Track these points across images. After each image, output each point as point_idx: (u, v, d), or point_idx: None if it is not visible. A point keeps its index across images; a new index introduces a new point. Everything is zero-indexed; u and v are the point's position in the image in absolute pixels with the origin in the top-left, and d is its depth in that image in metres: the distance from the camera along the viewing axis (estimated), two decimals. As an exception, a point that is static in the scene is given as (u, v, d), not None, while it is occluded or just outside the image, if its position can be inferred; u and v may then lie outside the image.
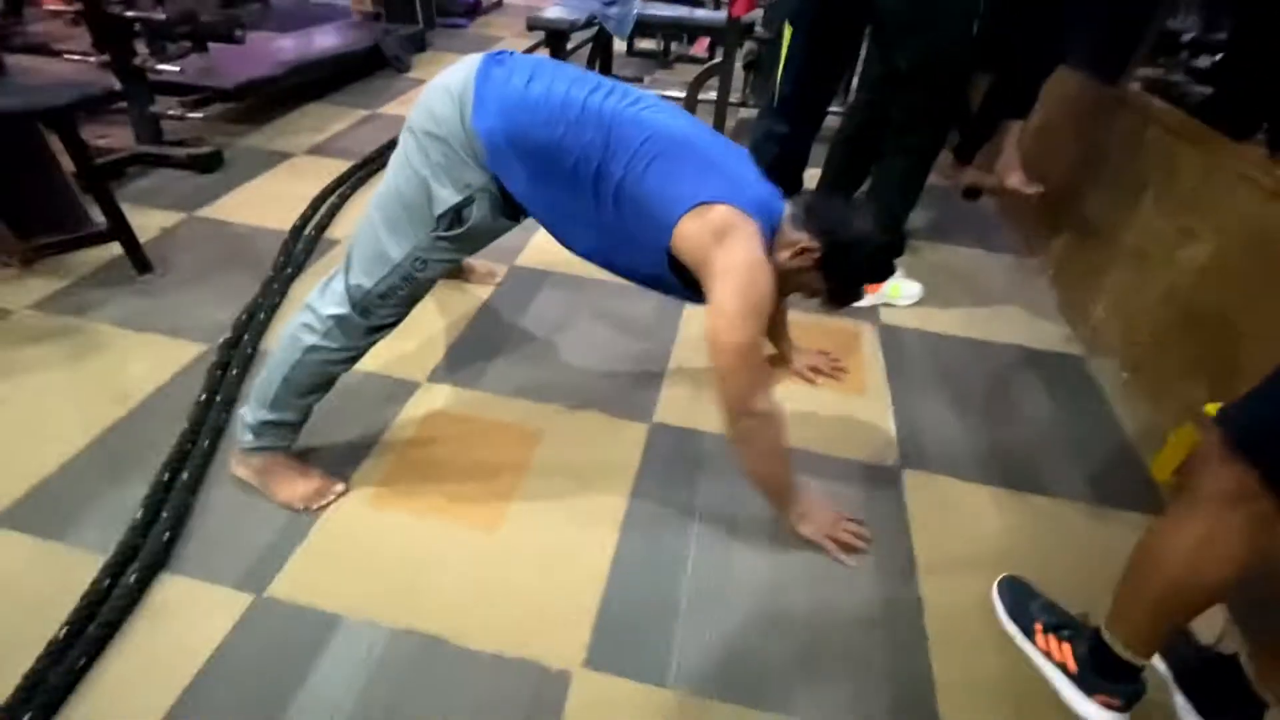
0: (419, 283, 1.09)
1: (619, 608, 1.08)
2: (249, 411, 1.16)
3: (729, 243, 0.99)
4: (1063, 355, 1.79)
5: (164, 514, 1.14)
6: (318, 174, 2.37)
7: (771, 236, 1.08)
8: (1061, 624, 1.03)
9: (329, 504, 1.21)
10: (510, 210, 1.09)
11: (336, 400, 1.36)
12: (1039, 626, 1.04)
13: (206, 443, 1.29)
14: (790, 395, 1.55)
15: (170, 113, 2.28)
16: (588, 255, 1.16)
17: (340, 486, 1.23)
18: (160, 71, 2.24)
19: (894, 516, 1.29)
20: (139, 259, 1.75)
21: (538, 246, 2.08)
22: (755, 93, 3.11)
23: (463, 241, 1.07)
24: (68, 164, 1.63)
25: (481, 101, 0.99)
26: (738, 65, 2.78)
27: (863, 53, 2.04)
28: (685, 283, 1.08)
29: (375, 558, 1.13)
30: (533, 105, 1.00)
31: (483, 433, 1.40)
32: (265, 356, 1.51)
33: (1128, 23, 1.76)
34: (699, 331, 1.77)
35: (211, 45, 2.47)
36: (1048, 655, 1.02)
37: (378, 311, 1.10)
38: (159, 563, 1.07)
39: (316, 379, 1.14)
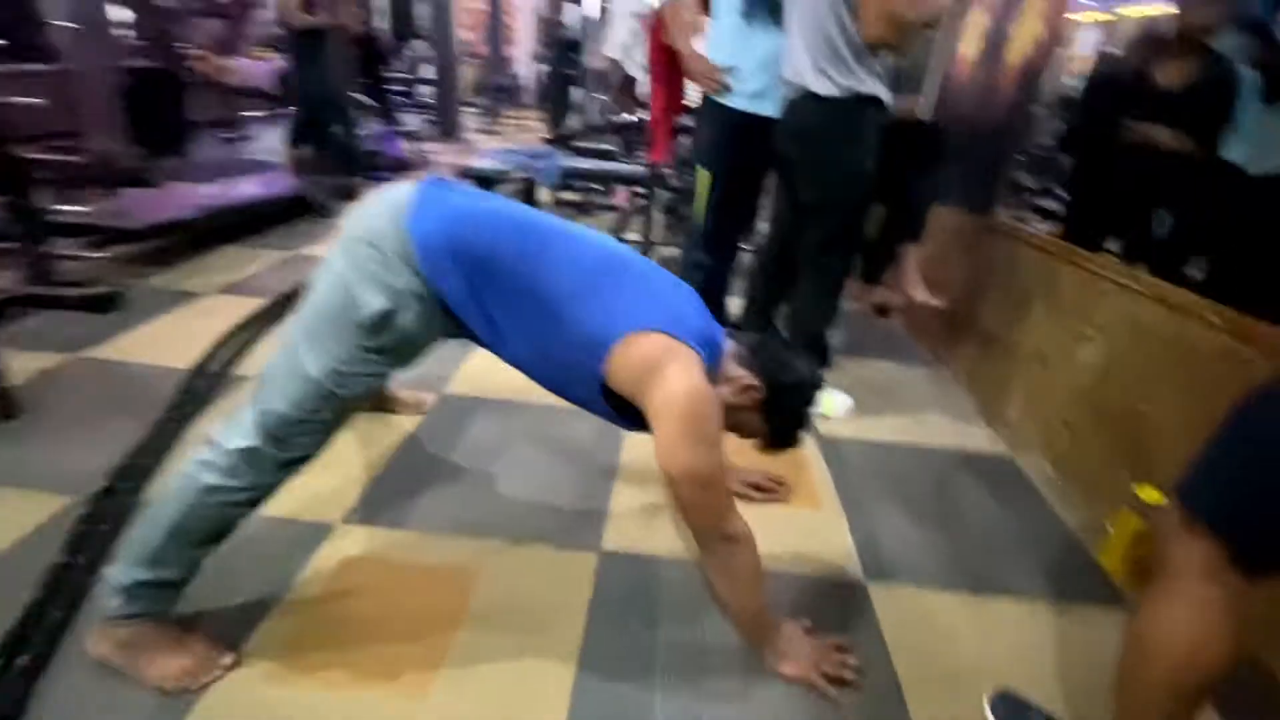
0: (339, 404, 0.97)
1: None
2: (120, 571, 0.96)
3: (667, 373, 0.93)
4: (993, 457, 1.85)
5: (-16, 716, 0.89)
6: (228, 313, 2.24)
7: (714, 371, 1.03)
8: None
9: (211, 682, 0.99)
10: (441, 322, 1.02)
11: (227, 551, 1.18)
12: None
13: (59, 615, 1.05)
14: (760, 517, 1.48)
15: (66, 253, 2.14)
16: (521, 368, 1.08)
17: (228, 659, 1.01)
18: (63, 213, 2.13)
19: (871, 636, 1.20)
20: (3, 405, 1.54)
21: (470, 374, 2.01)
22: (673, 231, 3.35)
23: (388, 354, 0.97)
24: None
25: (420, 206, 0.96)
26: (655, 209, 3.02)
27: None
28: (619, 410, 1.03)
29: (270, 748, 0.91)
30: (472, 216, 0.99)
31: (409, 579, 1.23)
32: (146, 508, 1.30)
33: (989, 165, 2.05)
34: (643, 449, 1.71)
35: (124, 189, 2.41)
36: None
37: (293, 441, 0.96)
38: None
39: (213, 526, 0.97)
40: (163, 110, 3.89)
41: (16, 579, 1.12)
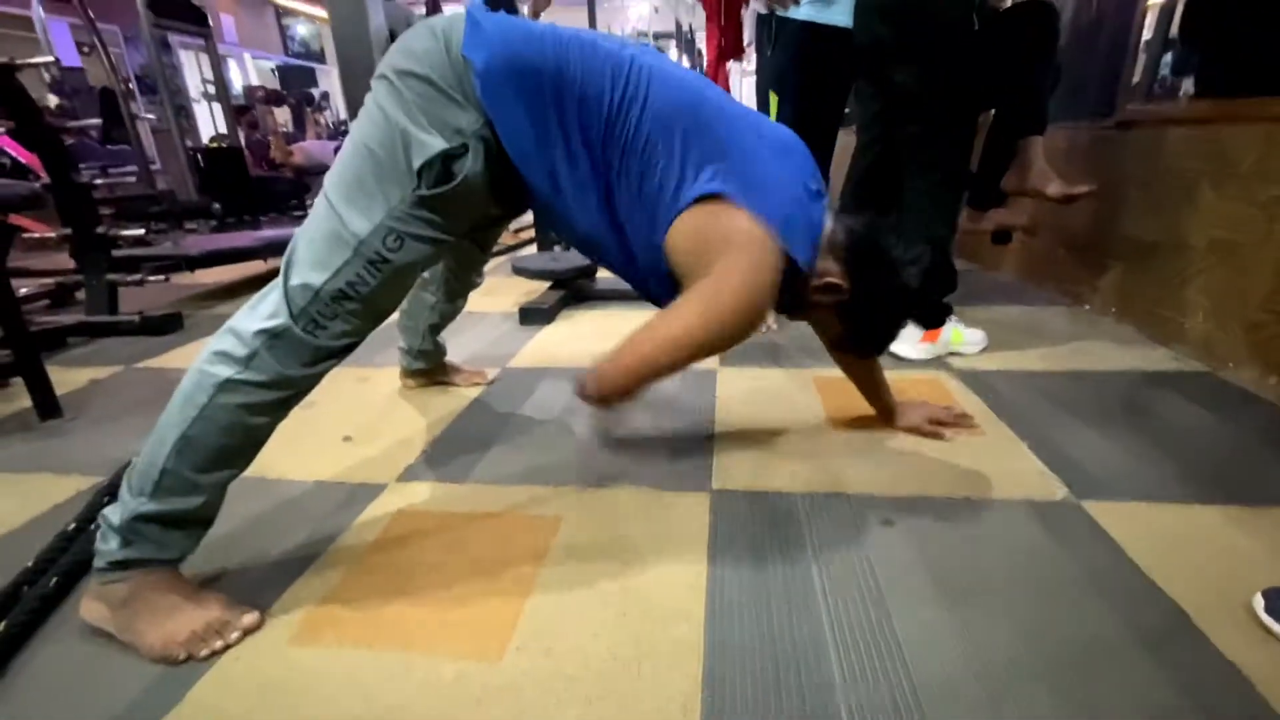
0: (389, 275, 0.78)
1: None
2: (116, 508, 0.75)
3: (727, 256, 0.80)
4: (1184, 374, 1.46)
5: (-61, 690, 0.67)
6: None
7: (800, 257, 0.85)
8: None
9: (229, 646, 0.75)
10: (504, 187, 0.83)
11: (260, 512, 0.98)
12: None
13: (54, 581, 0.84)
14: (908, 449, 1.17)
15: (130, 279, 2.12)
16: (579, 233, 0.90)
17: (250, 617, 0.77)
18: (125, 238, 2.12)
19: (1103, 548, 0.85)
20: (44, 402, 1.42)
21: (533, 351, 1.80)
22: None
23: (448, 209, 0.79)
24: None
25: (476, 28, 0.78)
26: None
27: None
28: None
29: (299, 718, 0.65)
30: (538, 35, 0.80)
31: (475, 528, 0.97)
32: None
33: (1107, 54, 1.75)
34: (737, 392, 1.42)
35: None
36: None
37: (328, 325, 0.76)
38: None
39: (229, 438, 0.75)
40: (232, 182, 4.10)
41: (31, 551, 0.93)
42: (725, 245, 0.80)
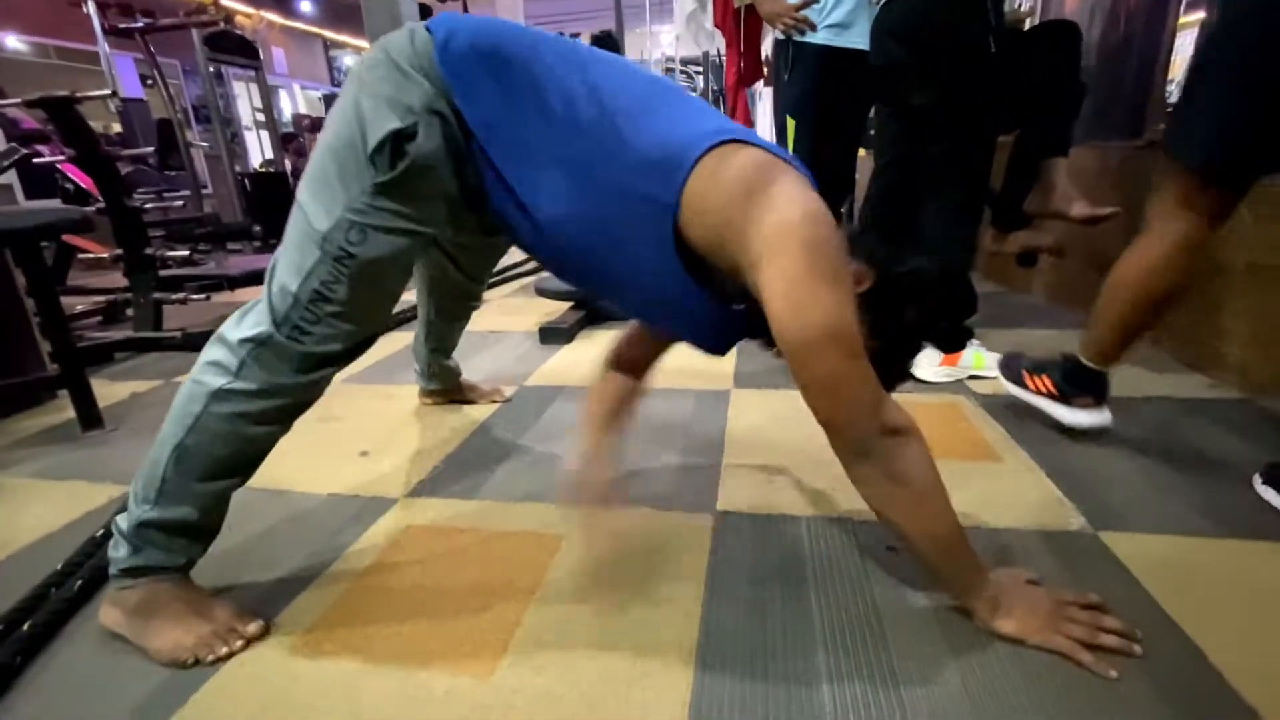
0: (356, 272, 0.74)
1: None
2: (124, 515, 0.78)
3: (772, 192, 0.67)
4: (1223, 401, 1.40)
5: (-34, 685, 0.71)
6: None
7: None
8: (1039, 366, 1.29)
9: (233, 652, 0.77)
10: (462, 158, 0.76)
11: (268, 524, 1.02)
12: (1025, 373, 1.31)
13: (78, 584, 0.89)
14: None
15: (174, 297, 2.23)
16: (556, 231, 0.77)
17: (256, 626, 0.80)
18: (173, 259, 2.24)
19: (1119, 581, 0.82)
20: (87, 413, 1.50)
21: (549, 370, 1.82)
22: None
23: (406, 195, 0.74)
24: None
25: (440, 19, 0.77)
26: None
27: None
28: (692, 293, 0.75)
29: (289, 729, 0.67)
30: (503, 25, 0.79)
31: (477, 547, 0.99)
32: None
33: (1136, 77, 1.71)
34: (749, 420, 1.41)
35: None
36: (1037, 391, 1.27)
37: (312, 330, 0.75)
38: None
39: (225, 448, 0.77)
40: (276, 205, 4.30)
41: (64, 554, 0.98)
42: (759, 184, 0.67)
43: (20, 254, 1.36)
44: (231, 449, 0.78)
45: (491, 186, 0.78)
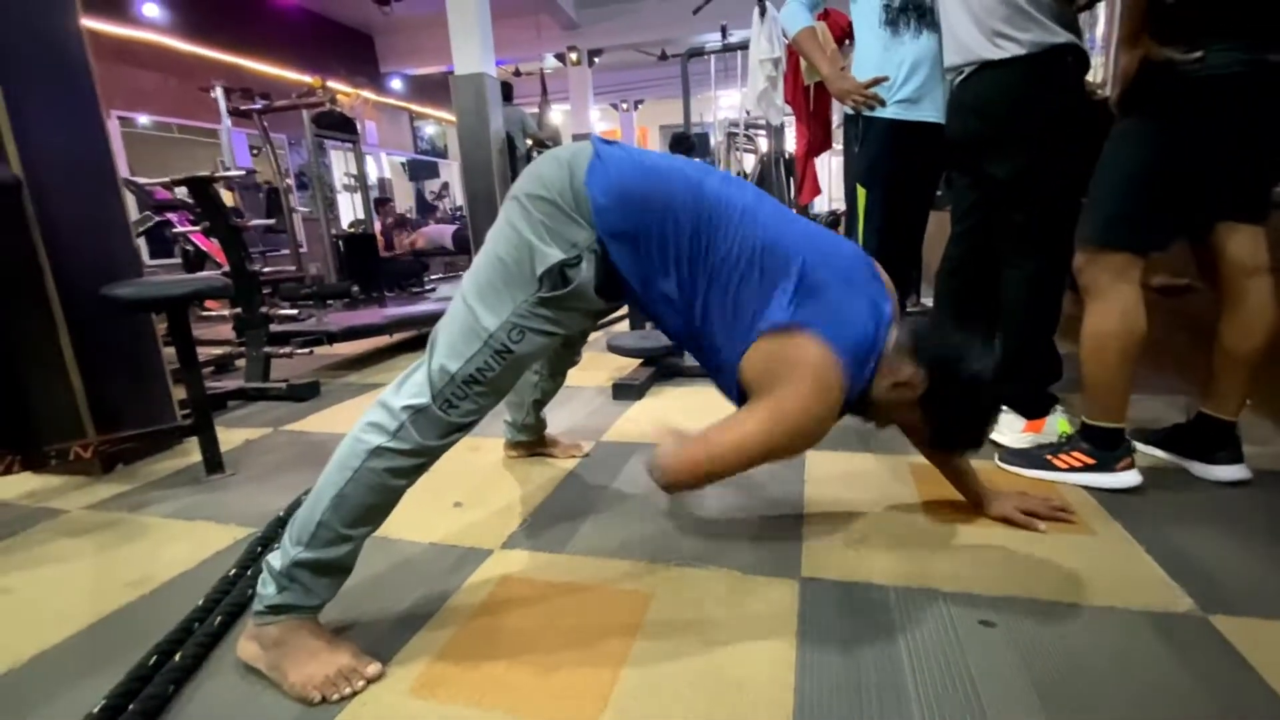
0: (511, 363, 0.91)
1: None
2: (278, 555, 0.89)
3: (795, 381, 0.88)
4: (1342, 478, 1.31)
5: (132, 708, 0.80)
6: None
7: (875, 363, 0.95)
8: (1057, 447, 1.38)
9: (355, 692, 0.84)
10: (607, 279, 0.96)
11: (381, 571, 1.10)
12: (1050, 458, 1.37)
13: (218, 620, 0.98)
14: (1008, 544, 1.13)
15: (281, 351, 2.44)
16: (672, 334, 1.04)
17: (374, 668, 0.87)
18: (283, 317, 2.46)
19: (1234, 670, 0.79)
20: (212, 458, 1.65)
21: (626, 426, 1.89)
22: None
23: (563, 307, 0.93)
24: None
25: (597, 161, 0.94)
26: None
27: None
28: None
29: (411, 768, 0.72)
30: (649, 170, 0.96)
31: (573, 596, 1.04)
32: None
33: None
34: (827, 483, 1.43)
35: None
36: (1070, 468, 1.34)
37: (459, 404, 0.90)
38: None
39: (374, 497, 0.89)
40: (364, 263, 4.66)
41: (199, 591, 1.09)
42: (792, 371, 0.88)
43: (174, 317, 1.55)
44: (377, 499, 0.89)
45: (629, 297, 1.02)
